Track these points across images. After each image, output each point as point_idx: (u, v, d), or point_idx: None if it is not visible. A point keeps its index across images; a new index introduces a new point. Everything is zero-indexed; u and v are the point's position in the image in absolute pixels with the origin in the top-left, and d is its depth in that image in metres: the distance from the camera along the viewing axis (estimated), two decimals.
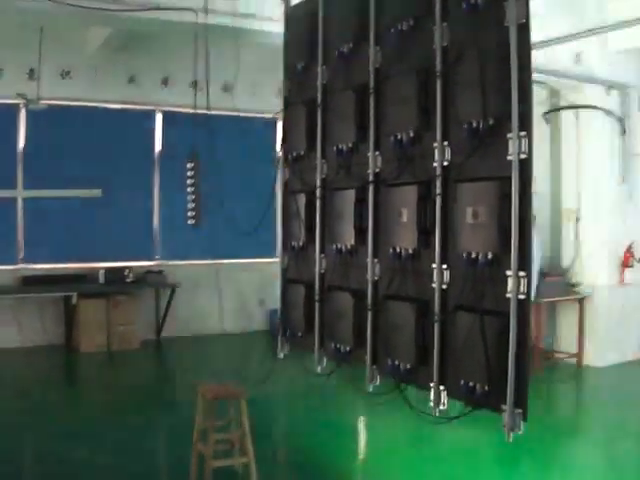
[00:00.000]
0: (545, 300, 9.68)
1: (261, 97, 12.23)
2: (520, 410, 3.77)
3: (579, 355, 10.05)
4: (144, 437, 7.11)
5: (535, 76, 9.09)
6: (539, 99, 10.30)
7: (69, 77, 11.66)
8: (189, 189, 7.00)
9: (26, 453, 6.95)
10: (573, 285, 10.17)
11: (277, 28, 6.27)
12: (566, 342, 10.30)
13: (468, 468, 6.33)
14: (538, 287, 9.28)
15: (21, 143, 11.68)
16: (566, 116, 10.41)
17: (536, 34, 7.39)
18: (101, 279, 11.78)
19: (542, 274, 9.51)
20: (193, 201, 7.01)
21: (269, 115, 11.31)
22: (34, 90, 10.88)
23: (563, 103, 10.35)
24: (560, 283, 9.97)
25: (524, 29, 3.70)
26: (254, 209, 6.26)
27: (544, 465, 6.55)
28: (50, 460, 6.51)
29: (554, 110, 10.35)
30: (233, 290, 12.80)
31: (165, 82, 12.37)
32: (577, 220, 10.22)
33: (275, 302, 12.13)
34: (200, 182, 7.08)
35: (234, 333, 12.62)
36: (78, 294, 11.39)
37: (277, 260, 6.13)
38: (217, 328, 12.07)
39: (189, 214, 7.05)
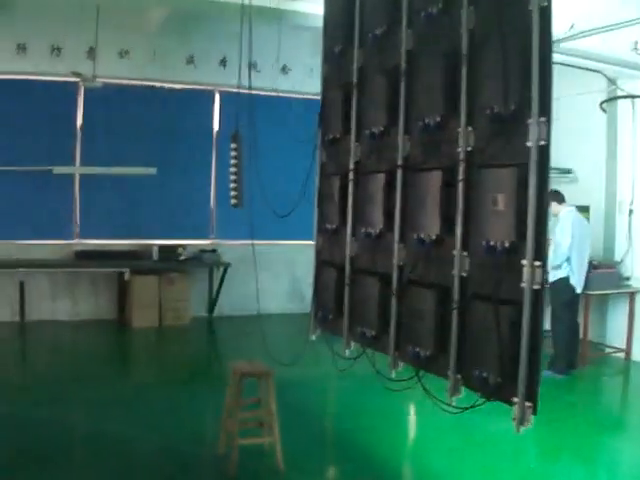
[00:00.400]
0: (595, 293, 9.44)
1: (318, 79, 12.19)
2: (530, 403, 3.70)
3: (627, 350, 9.80)
4: (182, 410, 7.20)
5: (592, 64, 8.92)
6: (596, 88, 10.04)
7: (128, 57, 11.80)
8: (231, 169, 7.02)
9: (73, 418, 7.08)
10: (625, 278, 9.91)
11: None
12: (615, 336, 10.06)
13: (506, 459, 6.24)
14: (588, 279, 9.06)
15: (79, 121, 11.90)
16: (623, 106, 10.11)
17: (594, 21, 7.23)
18: (155, 256, 11.96)
19: (593, 266, 9.26)
20: (235, 181, 7.03)
21: None
22: (92, 69, 11.08)
23: (620, 92, 10.05)
24: (612, 276, 9.71)
25: (546, 12, 3.60)
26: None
27: (587, 460, 6.39)
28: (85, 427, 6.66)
29: (611, 99, 10.05)
30: (287, 271, 12.88)
31: (224, 63, 12.40)
32: (630, 212, 9.93)
33: None
34: (243, 163, 7.10)
35: (285, 313, 12.66)
36: (131, 270, 11.58)
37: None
38: (269, 308, 12.10)
39: (232, 193, 7.08)
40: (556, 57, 7.95)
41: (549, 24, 3.61)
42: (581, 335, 9.33)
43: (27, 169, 11.34)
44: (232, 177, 6.99)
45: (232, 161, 6.97)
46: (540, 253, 3.66)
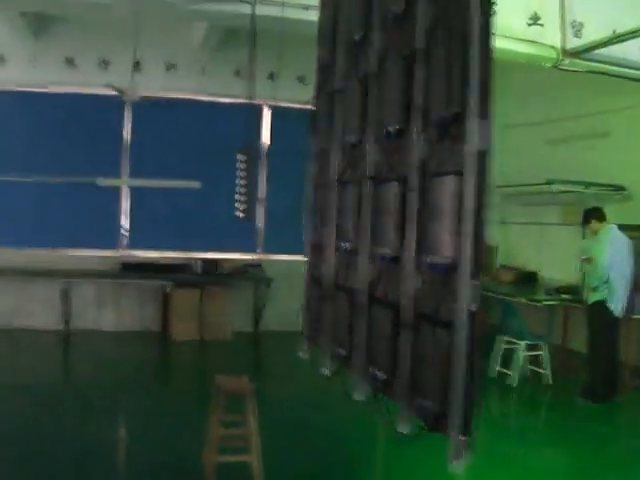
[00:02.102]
0: (637, 317, 8.85)
1: None
2: (464, 437, 3.36)
3: None
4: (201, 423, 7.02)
5: (631, 72, 8.40)
6: None
7: (175, 70, 11.84)
8: (241, 181, 6.86)
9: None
10: None
11: None
12: None
13: None
14: (631, 302, 8.49)
15: (126, 134, 11.97)
16: None
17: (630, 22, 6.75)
18: (197, 269, 11.90)
19: (635, 289, 8.68)
20: (244, 194, 6.86)
21: None
22: (136, 82, 11.15)
23: None
24: None
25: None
26: None
27: None
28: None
29: None
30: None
31: (272, 76, 12.29)
32: None
33: None
34: (254, 175, 6.93)
35: None
36: (174, 283, 11.57)
37: None
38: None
39: (237, 205, 6.91)
40: (606, 68, 7.50)
41: (489, 25, 3.30)
42: (622, 360, 8.75)
43: (75, 180, 11.43)
44: (241, 190, 6.79)
45: (241, 173, 6.78)
46: (477, 271, 3.33)
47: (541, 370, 9.04)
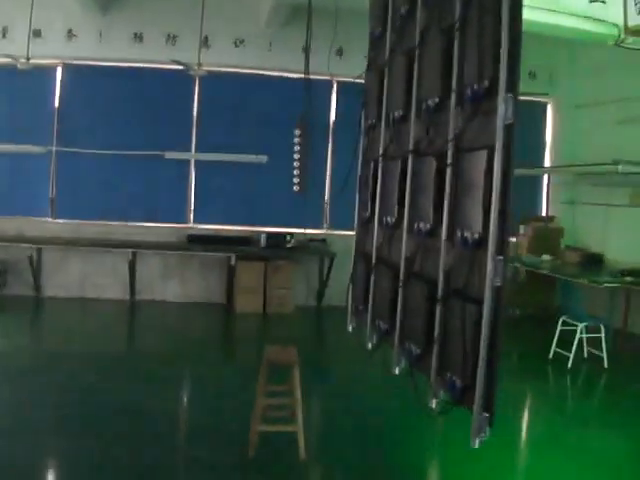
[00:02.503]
0: None
1: None
2: (487, 414, 3.37)
3: None
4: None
5: None
6: None
7: (243, 45, 11.95)
8: (295, 156, 6.92)
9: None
10: None
11: None
12: None
13: None
14: None
15: (195, 108, 12.19)
16: None
17: None
18: (262, 243, 12.05)
19: None
20: (298, 168, 6.92)
21: None
22: (203, 57, 11.33)
23: None
24: None
25: None
26: None
27: None
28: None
29: None
30: None
31: (340, 53, 12.28)
32: None
33: None
34: (308, 149, 6.99)
35: None
36: (238, 256, 11.74)
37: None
38: None
39: (294, 180, 6.98)
40: None
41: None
42: None
43: (142, 154, 11.74)
44: (296, 164, 6.85)
45: (296, 147, 6.83)
46: (503, 246, 3.32)
47: (599, 353, 8.89)
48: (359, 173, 5.85)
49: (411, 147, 4.54)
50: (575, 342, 8.72)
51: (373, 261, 5.31)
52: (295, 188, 7.27)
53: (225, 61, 11.75)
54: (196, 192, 12.34)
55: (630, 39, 7.58)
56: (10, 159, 11.50)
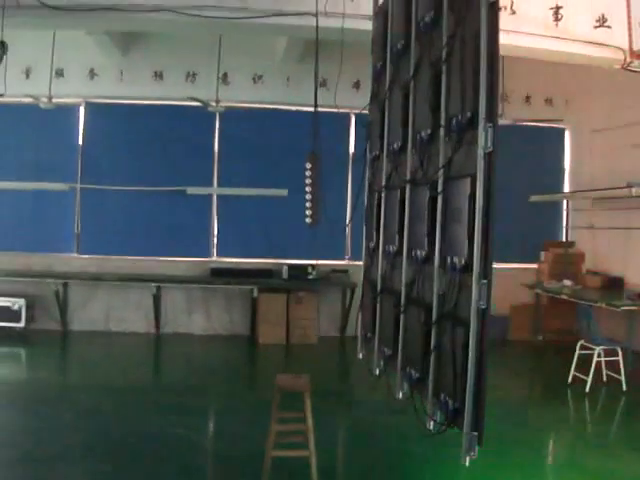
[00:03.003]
0: None
1: None
2: (476, 433, 3.48)
3: None
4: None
5: None
6: None
7: (261, 81, 12.22)
8: (307, 188, 7.10)
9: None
10: None
11: None
12: None
13: None
14: None
15: (215, 144, 12.46)
16: None
17: None
18: (284, 275, 12.21)
19: None
20: (310, 200, 7.09)
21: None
22: (227, 93, 11.64)
23: None
24: None
25: (493, 15, 3.42)
26: None
27: None
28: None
29: None
30: None
31: (357, 86, 12.50)
32: None
33: None
34: (320, 181, 7.16)
35: None
36: (260, 288, 11.91)
37: None
38: None
39: (306, 212, 7.14)
40: None
41: (496, 26, 3.42)
42: None
43: (165, 189, 12.00)
44: (308, 196, 7.03)
45: (307, 180, 7.02)
46: (486, 270, 3.44)
47: (618, 376, 8.89)
48: (365, 204, 6.01)
49: (408, 177, 4.68)
50: (593, 366, 8.73)
51: (378, 289, 5.44)
52: (307, 220, 7.38)
53: (244, 97, 11.99)
54: (218, 226, 12.56)
55: (636, 62, 7.72)
56: (35, 196, 11.84)
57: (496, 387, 8.50)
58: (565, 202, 13.26)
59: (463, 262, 3.60)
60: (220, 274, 12.23)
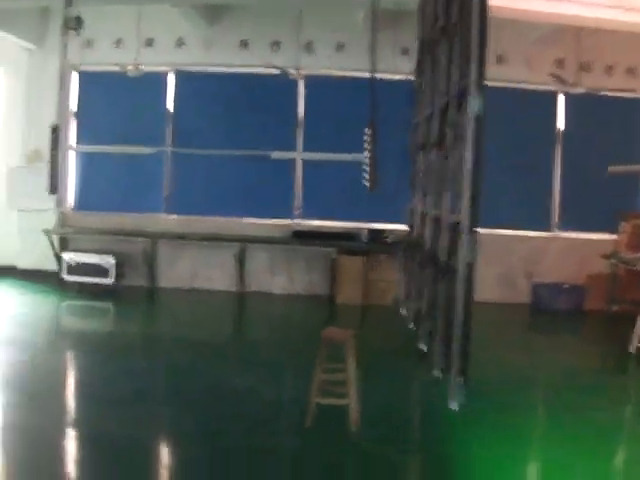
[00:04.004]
0: None
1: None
2: (461, 379, 3.79)
3: None
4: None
5: None
6: None
7: (342, 49, 12.52)
8: (366, 153, 7.45)
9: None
10: None
11: None
12: None
13: None
14: None
15: (300, 110, 12.91)
16: None
17: None
18: (364, 238, 12.58)
19: None
20: (370, 165, 7.43)
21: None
22: (310, 61, 12.10)
23: None
24: None
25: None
26: None
27: None
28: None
29: None
30: (498, 259, 12.86)
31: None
32: None
33: (542, 276, 12.22)
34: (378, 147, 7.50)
35: (494, 302, 12.63)
36: (340, 250, 12.32)
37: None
38: (479, 296, 12.22)
39: (365, 176, 7.50)
40: None
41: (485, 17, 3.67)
42: None
43: (251, 153, 12.54)
44: (367, 161, 7.37)
45: (367, 146, 7.36)
46: (473, 226, 3.73)
47: None
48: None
49: (432, 141, 4.97)
50: None
51: (411, 248, 5.76)
52: (364, 183, 7.73)
53: (327, 65, 12.34)
54: (303, 189, 13.02)
55: None
56: (127, 160, 12.58)
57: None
58: None
59: (455, 219, 3.88)
60: (301, 236, 12.69)
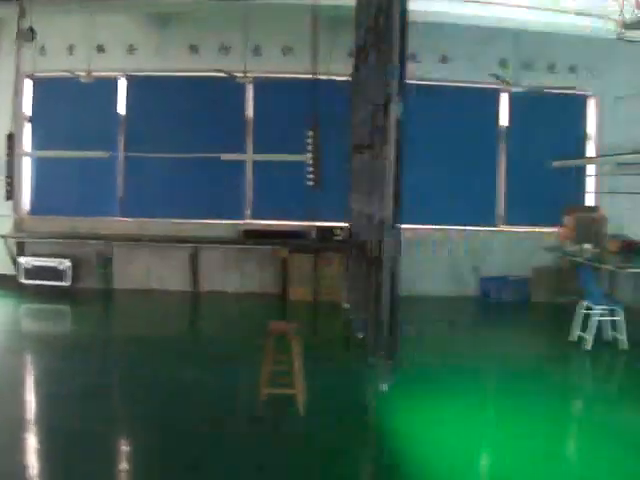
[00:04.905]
0: None
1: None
2: (390, 362, 4.11)
3: None
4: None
5: None
6: None
7: (291, 53, 12.81)
8: (309, 154, 7.74)
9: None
10: None
11: None
12: None
13: None
14: None
15: (249, 112, 13.18)
16: None
17: None
18: (313, 236, 12.89)
19: None
20: (312, 165, 7.73)
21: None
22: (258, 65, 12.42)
23: None
24: None
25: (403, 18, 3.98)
26: None
27: None
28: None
29: None
30: (447, 255, 13.25)
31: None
32: None
33: (488, 270, 12.63)
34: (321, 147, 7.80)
35: (442, 296, 13.03)
36: (290, 249, 12.61)
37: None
38: (427, 290, 12.85)
39: (309, 176, 7.79)
40: None
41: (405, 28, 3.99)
42: None
43: (202, 156, 12.76)
44: (309, 161, 7.66)
45: (309, 147, 7.66)
46: (395, 222, 4.05)
47: (619, 335, 9.30)
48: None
49: (364, 143, 5.30)
50: (591, 325, 9.16)
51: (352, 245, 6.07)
52: (308, 183, 8.04)
53: (274, 68, 12.63)
54: (253, 190, 13.30)
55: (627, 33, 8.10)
56: (81, 164, 12.76)
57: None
58: (591, 168, 13.56)
59: (380, 216, 4.21)
60: (253, 236, 12.97)
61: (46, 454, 5.57)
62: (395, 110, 3.87)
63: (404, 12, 3.94)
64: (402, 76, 3.88)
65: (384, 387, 4.13)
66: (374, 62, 4.78)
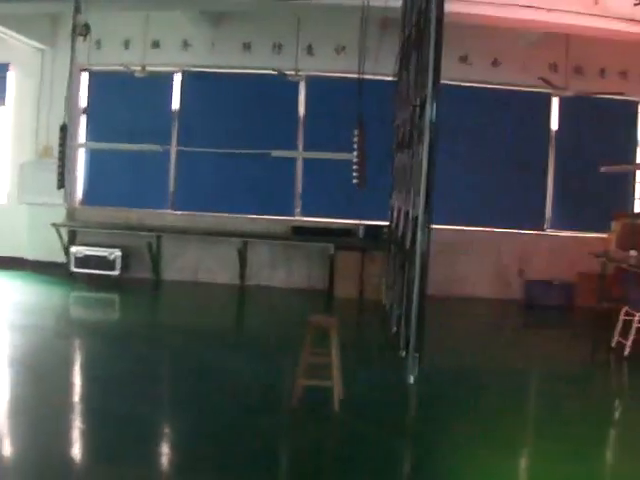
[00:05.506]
0: None
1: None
2: (417, 355, 4.25)
3: None
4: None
5: None
6: None
7: (344, 52, 12.95)
8: (354, 152, 7.90)
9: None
10: None
11: None
12: None
13: None
14: None
15: (301, 110, 13.39)
16: None
17: None
18: (360, 234, 13.05)
19: None
20: (357, 164, 7.88)
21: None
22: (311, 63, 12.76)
23: None
24: None
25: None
26: None
27: None
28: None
29: None
30: (492, 257, 13.28)
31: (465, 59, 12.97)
32: None
33: (533, 274, 12.64)
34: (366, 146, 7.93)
35: (488, 298, 13.07)
36: (337, 246, 12.78)
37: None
38: (474, 291, 13.00)
39: (354, 175, 7.94)
40: None
41: (440, 32, 4.13)
42: None
43: (253, 152, 13.00)
44: (355, 159, 7.82)
45: (355, 145, 7.82)
46: (427, 220, 4.19)
47: None
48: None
49: (404, 142, 5.44)
50: (632, 331, 9.13)
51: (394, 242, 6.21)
52: (354, 181, 8.20)
53: (326, 66, 12.79)
54: (303, 187, 13.50)
55: None
56: (134, 157, 13.08)
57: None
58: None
59: (414, 213, 4.35)
60: (302, 232, 13.17)
61: (90, 433, 5.79)
62: (429, 111, 3.98)
63: (440, 15, 4.06)
64: (435, 80, 3.99)
65: (410, 379, 4.27)
66: (415, 63, 4.89)
